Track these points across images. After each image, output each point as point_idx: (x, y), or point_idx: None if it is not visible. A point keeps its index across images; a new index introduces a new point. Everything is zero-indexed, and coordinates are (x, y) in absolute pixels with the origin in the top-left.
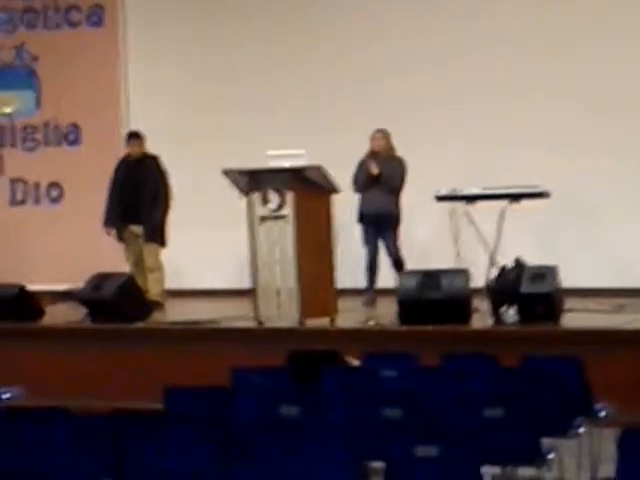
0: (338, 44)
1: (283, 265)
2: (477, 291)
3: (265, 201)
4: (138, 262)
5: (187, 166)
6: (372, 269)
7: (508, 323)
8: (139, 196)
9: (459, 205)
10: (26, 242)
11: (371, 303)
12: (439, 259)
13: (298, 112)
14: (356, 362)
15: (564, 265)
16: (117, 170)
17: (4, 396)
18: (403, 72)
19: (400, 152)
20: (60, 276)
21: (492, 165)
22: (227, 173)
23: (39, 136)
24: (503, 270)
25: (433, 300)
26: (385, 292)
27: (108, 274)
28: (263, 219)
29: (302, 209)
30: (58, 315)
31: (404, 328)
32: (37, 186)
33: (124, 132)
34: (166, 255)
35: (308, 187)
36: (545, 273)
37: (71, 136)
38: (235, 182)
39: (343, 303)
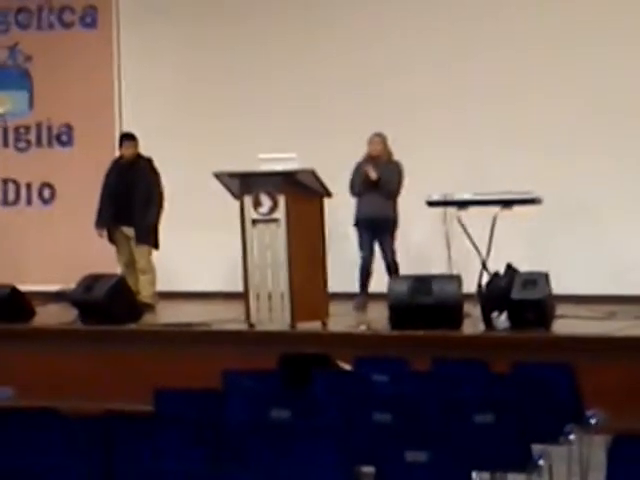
0: (335, 46)
1: (275, 268)
2: (469, 296)
3: (257, 204)
4: (129, 263)
5: (180, 168)
6: (366, 274)
7: (499, 329)
8: (131, 198)
9: (452, 210)
10: (18, 243)
11: (362, 307)
12: (433, 264)
13: (293, 115)
14: (348, 367)
15: (556, 271)
16: (110, 171)
17: None
18: (399, 76)
19: (394, 156)
20: (51, 277)
21: (488, 169)
22: (218, 176)
23: (31, 137)
24: (495, 276)
25: (424, 305)
26: (377, 297)
27: (99, 275)
28: (255, 222)
29: (294, 213)
30: (49, 316)
31: (395, 333)
32: (29, 187)
33: (117, 133)
34: (158, 257)
35: (300, 191)
36: (537, 279)
37: (64, 137)
38: (227, 185)
39: (335, 307)
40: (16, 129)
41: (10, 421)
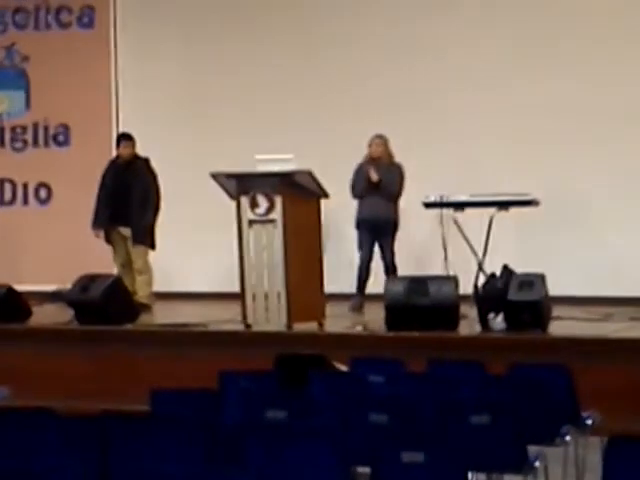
0: (334, 47)
1: (271, 269)
2: (465, 298)
3: (254, 205)
4: (126, 264)
5: (177, 168)
6: (363, 275)
7: (496, 330)
8: (128, 198)
9: (448, 212)
10: (14, 243)
11: (359, 308)
12: (429, 265)
13: (291, 115)
14: (344, 368)
15: (552, 273)
16: (106, 172)
17: None
18: (397, 77)
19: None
20: (48, 277)
21: (485, 170)
22: (215, 176)
23: (28, 137)
24: (491, 277)
25: (421, 306)
26: (373, 298)
27: (96, 275)
28: (252, 223)
29: (291, 213)
30: (45, 316)
31: (391, 334)
32: (26, 187)
33: (114, 133)
34: (155, 257)
35: (297, 192)
36: (533, 281)
37: (60, 137)
38: (223, 186)
39: (332, 308)
40: (13, 129)
41: (6, 421)
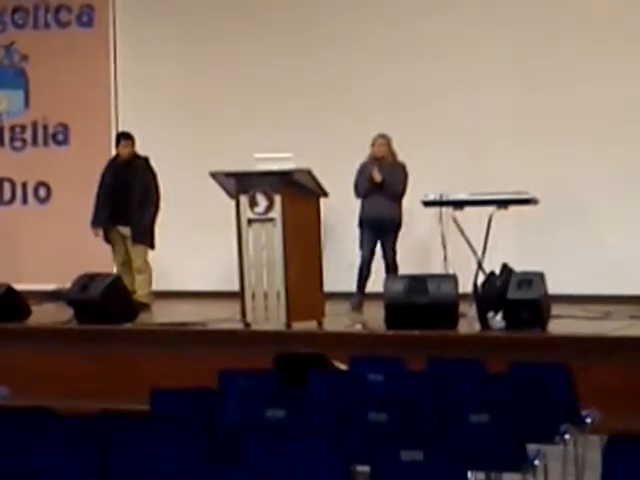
0: (334, 46)
1: (271, 268)
2: (464, 296)
3: (253, 204)
4: (125, 263)
5: (176, 167)
6: (364, 273)
7: (495, 329)
8: (128, 197)
9: (448, 210)
10: (13, 242)
11: (358, 307)
12: (429, 264)
13: (291, 114)
14: (344, 367)
15: (551, 271)
16: (106, 171)
17: None
18: (395, 77)
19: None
20: (47, 276)
21: (485, 169)
22: (214, 175)
23: (27, 136)
24: (490, 276)
25: (420, 305)
26: (373, 296)
27: (95, 275)
28: (251, 222)
29: (290, 212)
30: (45, 315)
31: (391, 332)
32: (25, 186)
33: (113, 132)
34: (154, 256)
35: (296, 190)
36: (532, 279)
37: (60, 136)
38: (223, 185)
39: (331, 307)
40: (12, 128)
41: (5, 421)
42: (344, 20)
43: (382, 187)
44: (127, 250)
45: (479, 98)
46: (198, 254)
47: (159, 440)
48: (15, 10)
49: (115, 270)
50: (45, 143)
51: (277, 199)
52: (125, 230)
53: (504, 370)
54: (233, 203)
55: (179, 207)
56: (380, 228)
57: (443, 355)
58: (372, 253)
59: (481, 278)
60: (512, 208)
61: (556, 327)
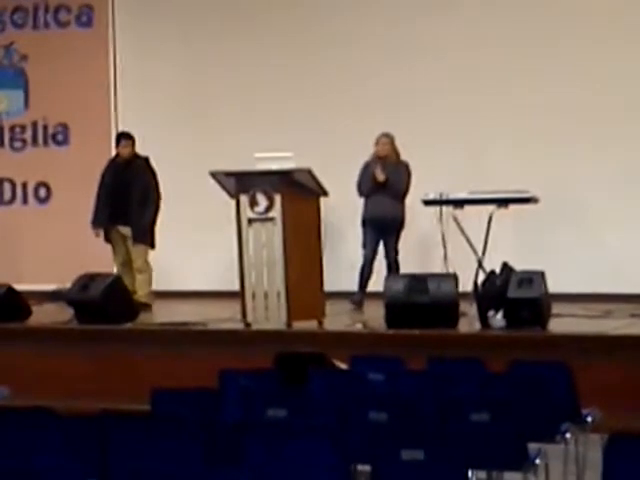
0: (334, 46)
1: (271, 267)
2: (465, 295)
3: (253, 203)
4: (126, 263)
5: (176, 167)
6: (366, 273)
7: (495, 328)
8: (128, 197)
9: (448, 209)
10: (13, 242)
11: (359, 304)
12: (429, 263)
13: (290, 115)
14: (344, 366)
15: (552, 270)
16: (106, 171)
17: None
18: (395, 77)
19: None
20: (47, 276)
21: (485, 168)
22: (214, 175)
23: (27, 136)
24: (491, 275)
25: (420, 304)
26: (373, 295)
27: (95, 275)
28: (251, 221)
29: (290, 212)
30: (45, 315)
31: (391, 332)
32: (25, 186)
33: (113, 132)
34: (154, 256)
35: (296, 190)
36: (532, 278)
37: (59, 136)
38: (223, 184)
39: (332, 306)
40: (12, 128)
41: (5, 421)
42: (344, 20)
43: (385, 186)
44: (127, 250)
45: (479, 98)
46: (198, 254)
47: (159, 440)
48: (15, 10)
49: (115, 270)
50: (45, 143)
51: (277, 198)
52: (125, 230)
53: (504, 369)
54: (233, 203)
55: (179, 207)
56: (383, 227)
57: (443, 354)
58: (375, 252)
59: (481, 277)
60: (512, 207)
61: (556, 326)
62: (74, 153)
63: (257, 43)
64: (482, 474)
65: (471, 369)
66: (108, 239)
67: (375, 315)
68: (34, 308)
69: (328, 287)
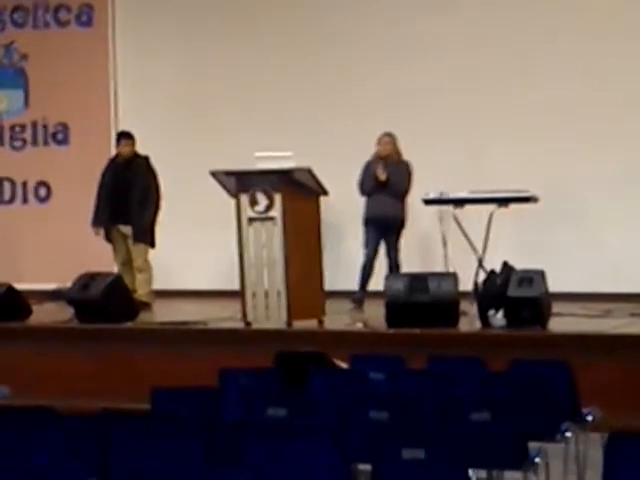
0: (334, 45)
1: (271, 266)
2: (465, 294)
3: (253, 203)
4: (126, 262)
5: (177, 166)
6: (367, 272)
7: (496, 327)
8: (128, 196)
9: (448, 208)
10: (14, 241)
11: (360, 303)
12: (430, 262)
13: (290, 114)
14: (344, 365)
15: (552, 269)
16: (106, 170)
17: None
18: (395, 77)
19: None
20: (48, 275)
21: (486, 167)
22: (215, 174)
23: (27, 135)
24: (491, 274)
25: (421, 303)
26: (374, 295)
27: (96, 274)
28: (251, 221)
29: (290, 211)
30: (45, 314)
31: (391, 331)
32: (25, 185)
33: (113, 132)
34: (154, 255)
35: (296, 189)
36: (533, 277)
37: (59, 135)
38: (223, 183)
39: (332, 305)
40: (12, 128)
41: (6, 420)
42: (344, 20)
43: (386, 186)
44: (128, 249)
45: (479, 98)
46: (199, 253)
47: (160, 439)
48: (15, 9)
49: (116, 269)
50: (45, 143)
51: (277, 198)
52: (126, 229)
53: (505, 368)
54: (233, 202)
55: (179, 206)
56: (384, 227)
57: (444, 353)
58: (376, 252)
59: (482, 276)
60: (512, 206)
61: (557, 325)
62: (74, 153)
63: (257, 43)
64: (482, 473)
65: (471, 368)
66: (108, 238)
67: (375, 314)
68: (34, 307)
69: (328, 286)
